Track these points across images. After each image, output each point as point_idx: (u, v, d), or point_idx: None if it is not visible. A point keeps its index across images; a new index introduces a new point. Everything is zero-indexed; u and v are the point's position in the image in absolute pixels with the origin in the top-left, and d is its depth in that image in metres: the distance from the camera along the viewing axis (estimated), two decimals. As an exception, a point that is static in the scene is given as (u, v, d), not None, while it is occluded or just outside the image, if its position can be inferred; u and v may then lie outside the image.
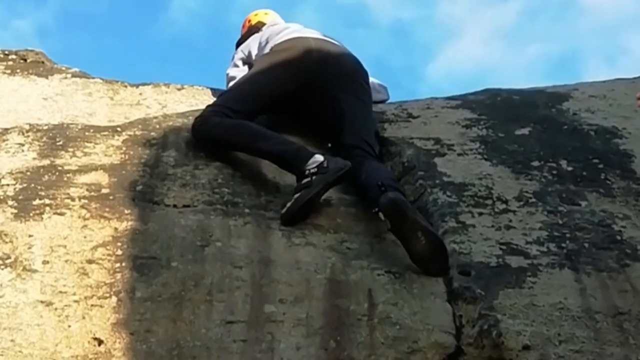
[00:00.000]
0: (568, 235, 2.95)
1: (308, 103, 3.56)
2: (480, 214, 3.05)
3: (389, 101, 4.16)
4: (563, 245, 2.90)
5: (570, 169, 3.36)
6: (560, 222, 3.02)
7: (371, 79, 3.98)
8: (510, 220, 3.02)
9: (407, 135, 3.59)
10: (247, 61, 3.91)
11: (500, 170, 3.33)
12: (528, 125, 3.69)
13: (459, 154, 3.43)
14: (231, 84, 3.76)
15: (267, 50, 3.73)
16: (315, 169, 3.04)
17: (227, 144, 3.31)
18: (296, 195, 3.01)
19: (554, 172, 3.34)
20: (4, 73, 4.04)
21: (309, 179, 3.03)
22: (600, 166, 3.38)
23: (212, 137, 3.32)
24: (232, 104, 3.42)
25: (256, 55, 3.84)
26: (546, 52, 19.75)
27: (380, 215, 2.92)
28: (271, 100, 3.51)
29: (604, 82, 4.29)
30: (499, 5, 21.25)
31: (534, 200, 3.15)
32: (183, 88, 4.08)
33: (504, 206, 3.10)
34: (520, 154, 3.45)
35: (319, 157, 3.08)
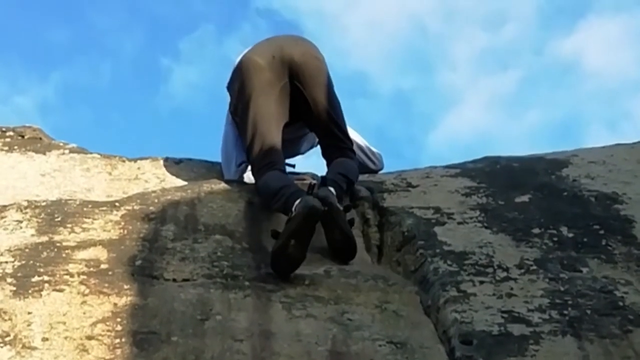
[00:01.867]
0: (570, 302, 2.93)
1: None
2: (482, 282, 3.03)
3: (386, 170, 4.18)
4: (565, 312, 2.87)
5: (571, 235, 3.35)
6: (562, 289, 3.00)
7: (366, 145, 4.06)
8: (512, 288, 3.00)
9: (406, 205, 3.59)
10: None
11: (501, 238, 3.32)
12: (528, 193, 3.69)
13: (459, 223, 3.42)
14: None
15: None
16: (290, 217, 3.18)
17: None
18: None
19: (555, 239, 3.33)
20: (2, 150, 4.06)
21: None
22: (601, 232, 3.37)
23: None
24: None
25: None
26: (547, 118, 19.92)
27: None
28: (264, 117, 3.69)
29: (603, 147, 4.31)
30: (499, 73, 21.51)
31: (535, 267, 3.13)
32: (181, 162, 4.10)
33: (505, 274, 3.08)
34: (520, 221, 3.44)
35: (297, 201, 3.18)
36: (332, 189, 3.36)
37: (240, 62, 3.82)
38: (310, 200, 3.13)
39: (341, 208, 3.30)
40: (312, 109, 3.79)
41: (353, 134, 3.98)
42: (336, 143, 3.82)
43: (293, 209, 3.16)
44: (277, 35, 4.03)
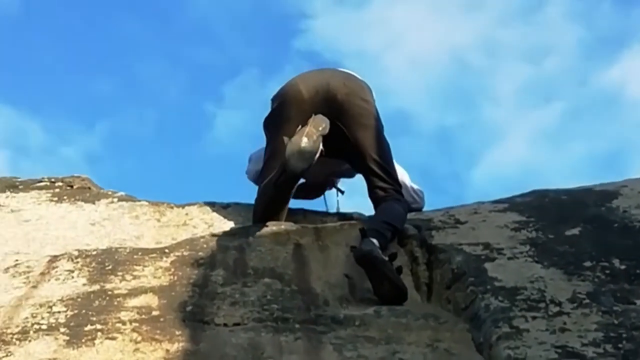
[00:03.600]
0: (624, 335, 2.87)
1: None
2: (534, 317, 2.98)
3: (432, 207, 4.18)
4: (620, 345, 2.81)
5: (623, 267, 3.29)
6: (616, 322, 2.94)
7: (408, 183, 4.05)
8: (565, 323, 2.95)
9: (455, 242, 3.57)
10: None
11: (552, 272, 3.27)
12: (578, 225, 3.65)
13: (509, 258, 3.39)
14: None
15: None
16: None
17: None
18: None
19: (607, 271, 3.27)
20: (52, 200, 4.12)
21: None
22: (654, 263, 3.32)
23: None
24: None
25: None
26: (592, 150, 19.68)
27: None
28: None
29: (652, 176, 4.26)
30: (543, 106, 21.34)
31: (587, 301, 3.08)
32: (229, 206, 4.13)
33: (557, 308, 3.03)
34: (571, 254, 3.40)
35: None
36: (375, 240, 3.33)
37: (286, 87, 3.91)
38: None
39: (386, 259, 3.28)
40: (355, 150, 3.82)
41: (399, 170, 4.00)
42: (381, 185, 3.81)
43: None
44: (329, 69, 4.08)
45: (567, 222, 3.69)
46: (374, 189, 3.82)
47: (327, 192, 4.21)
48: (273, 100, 3.95)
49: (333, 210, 3.93)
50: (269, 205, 3.78)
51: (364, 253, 3.26)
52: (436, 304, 3.31)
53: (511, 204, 3.99)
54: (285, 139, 3.64)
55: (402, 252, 3.57)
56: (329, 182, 4.19)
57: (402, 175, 4.10)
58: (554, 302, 3.06)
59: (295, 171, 3.60)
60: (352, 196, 4.19)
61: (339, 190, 4.17)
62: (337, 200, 4.09)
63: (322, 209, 4.21)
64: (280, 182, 3.67)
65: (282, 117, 3.84)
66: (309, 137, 3.56)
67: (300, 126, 3.64)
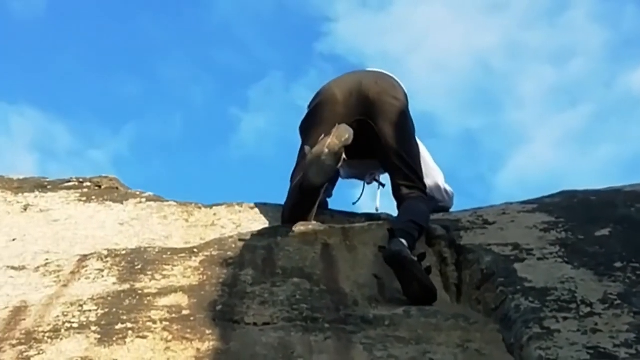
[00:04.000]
0: (657, 336, 2.85)
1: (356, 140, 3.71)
2: (565, 318, 2.96)
3: (460, 208, 4.17)
4: (653, 347, 2.80)
5: (654, 268, 3.27)
6: (649, 323, 2.93)
7: (442, 184, 4.07)
8: (596, 324, 2.93)
9: (484, 242, 3.55)
10: None
11: (583, 272, 3.25)
12: (608, 226, 3.63)
13: (539, 259, 3.37)
14: None
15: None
16: None
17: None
18: None
19: (638, 272, 3.25)
20: (80, 200, 4.15)
21: None
22: (685, 263, 3.29)
23: None
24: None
25: None
26: (619, 152, 19.60)
27: None
28: None
29: (682, 177, 4.23)
30: (569, 109, 21.27)
31: (619, 302, 3.05)
32: (256, 206, 4.14)
33: (588, 309, 3.01)
34: (602, 255, 3.38)
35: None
36: (403, 240, 3.33)
37: (321, 91, 3.97)
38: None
39: (415, 259, 3.28)
40: (383, 147, 3.85)
41: (436, 170, 4.10)
42: (406, 183, 3.82)
43: None
44: (362, 71, 4.13)
45: (596, 223, 3.67)
46: (398, 187, 3.84)
47: (366, 185, 4.22)
48: (309, 105, 4.01)
49: (374, 204, 4.02)
50: (296, 207, 3.80)
51: (393, 253, 3.26)
52: (466, 305, 3.30)
53: (540, 204, 3.97)
54: (307, 148, 3.66)
55: (430, 252, 3.56)
56: (370, 177, 4.21)
57: (438, 174, 4.17)
58: (585, 303, 3.04)
59: (314, 184, 3.66)
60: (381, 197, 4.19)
61: (380, 183, 4.18)
62: (378, 192, 4.11)
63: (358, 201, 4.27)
64: (304, 187, 3.70)
65: (315, 119, 3.91)
66: (330, 148, 3.55)
67: (323, 135, 3.65)
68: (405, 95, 4.03)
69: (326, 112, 3.87)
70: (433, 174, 4.14)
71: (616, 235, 3.57)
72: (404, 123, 3.92)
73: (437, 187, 4.18)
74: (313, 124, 3.89)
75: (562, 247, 3.46)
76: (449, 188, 4.27)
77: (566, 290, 3.13)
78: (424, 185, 3.87)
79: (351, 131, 3.63)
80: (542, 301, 3.06)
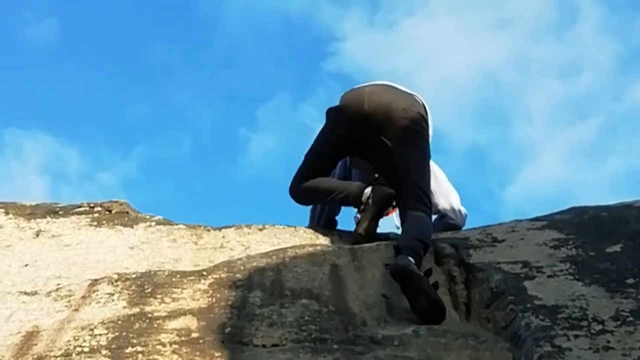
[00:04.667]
0: (671, 353, 2.83)
1: (366, 149, 4.08)
2: (576, 336, 2.94)
3: (469, 225, 4.18)
4: (666, 363, 2.77)
5: (667, 284, 3.25)
6: (661, 339, 2.90)
7: (456, 205, 4.14)
8: (608, 341, 2.91)
9: (493, 260, 3.54)
10: None
11: (594, 289, 3.23)
12: (619, 242, 3.61)
13: (549, 276, 3.35)
14: None
15: None
16: (368, 199, 3.94)
17: (312, 201, 4.33)
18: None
19: (650, 288, 3.23)
20: (91, 225, 4.17)
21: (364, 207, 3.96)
22: (698, 279, 3.26)
23: (301, 197, 4.25)
24: (305, 171, 4.21)
25: None
26: (628, 165, 19.49)
27: None
28: (333, 151, 4.21)
29: (692, 191, 4.22)
30: (577, 122, 21.22)
31: (631, 319, 3.03)
32: (264, 228, 4.14)
33: (600, 327, 2.99)
34: (613, 272, 3.35)
35: (367, 190, 3.97)
36: (411, 258, 3.36)
37: (352, 94, 4.16)
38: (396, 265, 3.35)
39: (422, 274, 3.30)
40: (397, 169, 3.93)
41: (451, 191, 4.33)
42: (412, 202, 3.86)
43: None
44: (378, 85, 4.22)
45: (607, 239, 3.65)
46: (404, 202, 3.90)
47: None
48: (341, 98, 4.21)
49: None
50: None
51: (400, 268, 3.29)
52: (475, 323, 3.29)
53: (549, 221, 3.95)
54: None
55: (439, 271, 3.55)
56: None
57: (453, 196, 4.33)
58: (596, 321, 3.02)
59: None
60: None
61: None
62: (395, 212, 4.14)
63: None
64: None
65: (336, 119, 4.17)
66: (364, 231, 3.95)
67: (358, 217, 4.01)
68: (428, 123, 4.13)
69: (347, 115, 4.10)
70: (448, 195, 4.30)
71: (628, 251, 3.54)
72: (417, 142, 4.01)
73: (452, 208, 4.32)
74: (332, 122, 4.20)
75: (572, 264, 3.44)
76: (463, 210, 4.36)
77: (577, 308, 3.11)
78: (430, 204, 3.93)
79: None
80: (552, 319, 3.04)
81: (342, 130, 4.11)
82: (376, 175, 4.08)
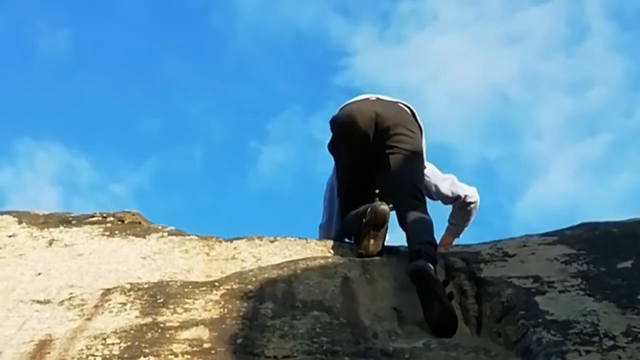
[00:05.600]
0: (683, 369, 2.83)
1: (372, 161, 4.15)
2: (588, 351, 2.94)
3: (479, 241, 4.18)
4: (678, 379, 2.78)
5: (678, 300, 3.24)
6: (673, 356, 2.90)
7: (456, 182, 4.62)
8: (620, 357, 2.91)
9: (504, 275, 3.55)
10: None
11: (605, 305, 3.23)
12: (630, 258, 3.61)
13: (560, 291, 3.36)
14: None
15: None
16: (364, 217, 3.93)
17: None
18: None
19: (662, 304, 3.23)
20: (104, 235, 4.19)
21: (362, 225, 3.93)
22: None
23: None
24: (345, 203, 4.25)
25: None
26: (639, 181, 19.41)
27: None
28: (357, 175, 4.23)
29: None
30: (587, 138, 21.17)
31: (643, 334, 3.03)
32: (276, 240, 4.15)
33: (612, 342, 2.99)
34: (624, 287, 3.35)
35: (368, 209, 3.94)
36: (430, 264, 3.41)
37: (343, 116, 4.25)
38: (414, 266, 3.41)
39: (439, 280, 3.32)
40: (392, 175, 4.06)
41: (446, 176, 4.61)
42: (409, 195, 4.01)
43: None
44: (381, 100, 4.32)
45: (618, 255, 3.65)
46: (406, 209, 3.95)
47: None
48: (331, 124, 4.31)
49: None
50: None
51: (418, 269, 3.34)
52: (486, 338, 3.29)
53: (560, 236, 3.96)
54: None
55: (450, 285, 3.56)
56: None
57: (450, 177, 4.64)
58: (607, 336, 3.02)
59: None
60: (397, 230, 4.22)
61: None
62: None
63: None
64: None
65: (341, 143, 4.25)
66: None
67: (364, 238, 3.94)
68: (421, 128, 4.27)
69: (350, 136, 4.18)
70: (446, 178, 4.59)
71: (639, 267, 3.54)
72: (415, 156, 4.13)
73: (455, 185, 4.62)
74: (341, 147, 4.26)
75: (583, 280, 3.44)
76: (467, 186, 4.63)
77: (588, 323, 3.11)
78: (423, 197, 4.08)
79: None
80: (564, 334, 3.04)
81: (350, 150, 4.22)
82: (377, 191, 4.14)
